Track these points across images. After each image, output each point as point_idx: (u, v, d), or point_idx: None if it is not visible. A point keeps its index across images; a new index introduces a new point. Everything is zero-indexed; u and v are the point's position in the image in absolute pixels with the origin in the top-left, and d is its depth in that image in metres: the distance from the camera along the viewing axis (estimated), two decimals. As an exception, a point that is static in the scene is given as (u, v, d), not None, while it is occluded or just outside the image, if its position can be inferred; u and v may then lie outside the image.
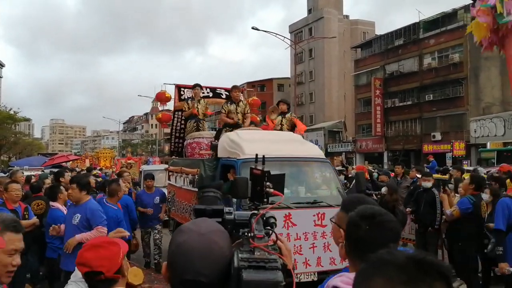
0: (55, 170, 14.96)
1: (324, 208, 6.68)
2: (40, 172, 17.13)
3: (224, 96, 12.17)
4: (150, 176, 10.92)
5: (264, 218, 1.63)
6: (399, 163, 17.57)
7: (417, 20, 45.83)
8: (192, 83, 11.47)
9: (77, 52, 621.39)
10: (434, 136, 42.10)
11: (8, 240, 2.27)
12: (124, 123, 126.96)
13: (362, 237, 1.93)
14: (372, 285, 1.03)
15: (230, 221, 1.63)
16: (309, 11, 62.54)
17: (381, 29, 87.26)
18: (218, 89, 12.46)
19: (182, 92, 11.90)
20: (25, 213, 6.91)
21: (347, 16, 63.64)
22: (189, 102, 10.69)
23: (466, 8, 42.74)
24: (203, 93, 11.54)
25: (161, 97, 13.79)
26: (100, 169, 23.42)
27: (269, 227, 1.61)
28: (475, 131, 37.66)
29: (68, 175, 10.04)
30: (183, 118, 11.53)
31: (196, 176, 8.11)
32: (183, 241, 1.44)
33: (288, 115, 9.98)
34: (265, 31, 35.58)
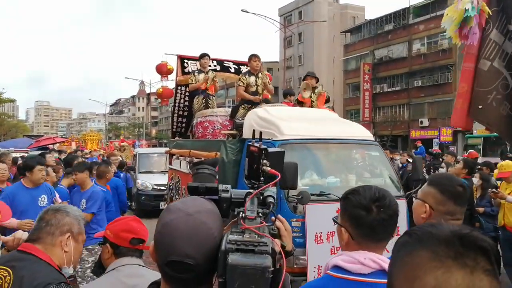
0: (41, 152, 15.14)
1: None
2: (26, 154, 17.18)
3: (232, 70, 10.76)
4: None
5: (261, 198, 1.56)
6: (386, 148, 18.00)
7: (407, 5, 45.53)
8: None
9: (62, 31, 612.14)
10: (421, 122, 42.08)
11: (84, 230, 2.53)
12: (111, 106, 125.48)
13: (374, 220, 1.89)
14: (416, 258, 1.00)
15: (226, 199, 1.56)
16: (299, -6, 62.20)
17: (371, 14, 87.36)
18: (226, 62, 10.89)
19: (185, 64, 10.43)
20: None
21: (337, 0, 63.17)
22: (196, 74, 9.28)
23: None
24: (209, 66, 10.00)
25: (162, 70, 12.03)
26: (90, 152, 23.53)
27: (266, 207, 1.54)
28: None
29: (50, 157, 10.28)
30: (187, 93, 10.20)
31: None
32: (170, 220, 1.39)
33: (318, 90, 8.67)
34: (254, 14, 35.79)
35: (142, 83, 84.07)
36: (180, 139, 10.00)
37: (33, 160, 6.11)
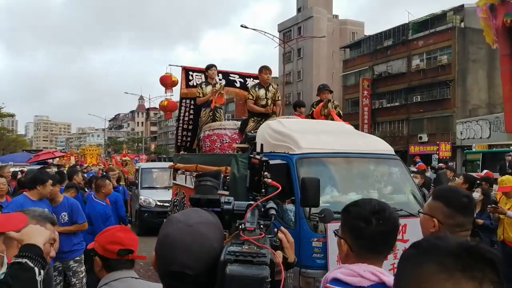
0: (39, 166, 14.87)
1: (405, 219, 4.98)
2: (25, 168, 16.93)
3: (238, 85, 10.26)
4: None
5: (262, 209, 1.57)
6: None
7: (407, 21, 45.47)
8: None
9: (63, 45, 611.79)
10: (420, 138, 41.69)
11: (48, 228, 2.38)
12: (110, 121, 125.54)
13: (374, 232, 1.87)
14: (423, 271, 1.01)
15: (228, 211, 1.57)
16: (299, 10, 61.13)
17: (370, 30, 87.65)
18: (232, 75, 10.37)
19: (190, 77, 9.98)
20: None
21: (336, 16, 62.69)
22: (203, 86, 8.84)
23: (455, 10, 43.09)
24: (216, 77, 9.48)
25: (167, 82, 11.92)
26: (86, 166, 23.26)
27: (268, 219, 1.56)
28: (461, 133, 37.84)
29: (51, 171, 10.03)
30: (192, 106, 9.80)
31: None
32: (170, 231, 1.40)
33: (330, 104, 8.06)
34: (254, 29, 35.63)
35: (141, 98, 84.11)
36: (185, 153, 9.62)
37: (45, 174, 6.13)
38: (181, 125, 10.04)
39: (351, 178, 5.77)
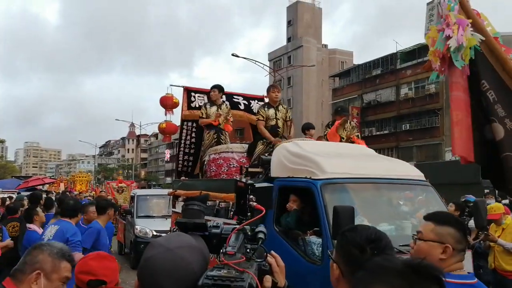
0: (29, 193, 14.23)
1: None
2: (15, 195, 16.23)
3: (242, 107, 9.64)
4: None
5: (249, 234, 1.55)
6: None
7: (395, 51, 45.59)
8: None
9: (55, 71, 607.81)
10: (410, 165, 42.06)
11: (63, 267, 2.30)
12: (100, 147, 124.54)
13: (367, 261, 1.61)
14: None
15: (215, 235, 1.54)
16: (288, 39, 61.58)
17: (359, 59, 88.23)
18: (236, 96, 9.72)
19: (192, 98, 9.27)
20: (-1, 234, 6.77)
21: (325, 45, 62.97)
22: (208, 107, 8.19)
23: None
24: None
25: (167, 103, 10.83)
26: (79, 193, 22.44)
27: (256, 243, 1.55)
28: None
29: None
30: (194, 129, 9.13)
31: (232, 203, 5.93)
32: (150, 256, 1.39)
33: (347, 125, 7.63)
34: (244, 58, 35.31)
35: (132, 125, 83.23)
36: (187, 179, 8.85)
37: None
38: (182, 148, 9.30)
39: (381, 206, 5.12)
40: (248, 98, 9.84)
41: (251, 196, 1.73)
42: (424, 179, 5.40)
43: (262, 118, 7.20)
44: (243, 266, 1.36)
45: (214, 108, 8.19)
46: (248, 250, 1.49)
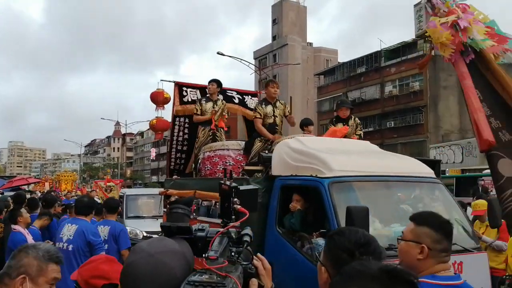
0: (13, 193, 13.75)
1: (460, 255, 4.05)
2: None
3: (237, 101, 9.26)
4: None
5: (234, 237, 1.54)
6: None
7: (379, 49, 45.61)
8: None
9: (39, 69, 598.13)
10: (395, 162, 42.05)
11: (50, 270, 2.23)
12: (85, 146, 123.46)
13: None
14: None
15: (201, 238, 1.53)
16: (274, 37, 61.44)
17: (344, 57, 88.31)
18: (229, 91, 9.32)
19: (184, 93, 8.78)
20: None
21: (310, 44, 63.07)
22: (203, 103, 7.76)
23: (425, 38, 43.52)
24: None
25: (158, 98, 10.22)
26: (65, 194, 21.82)
27: (241, 246, 1.54)
28: (435, 158, 37.83)
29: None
30: (186, 125, 8.71)
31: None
32: (132, 261, 1.38)
33: (351, 122, 7.30)
34: (230, 56, 34.90)
35: (117, 123, 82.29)
36: (179, 177, 8.40)
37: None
38: (174, 146, 8.83)
39: (392, 205, 4.75)
40: (241, 93, 9.49)
41: (235, 199, 1.64)
42: (434, 176, 5.09)
43: (259, 116, 6.83)
44: (227, 270, 1.35)
45: (210, 104, 7.79)
46: (233, 254, 1.46)
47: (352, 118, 7.37)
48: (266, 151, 5.90)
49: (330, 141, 5.80)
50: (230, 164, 6.65)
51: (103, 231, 5.96)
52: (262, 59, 60.39)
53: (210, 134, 7.64)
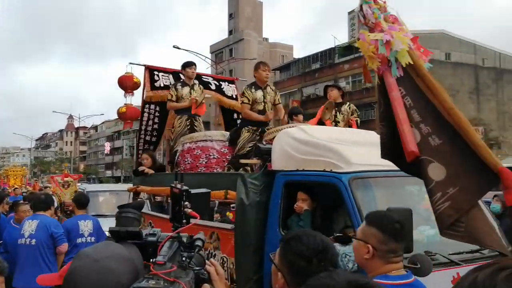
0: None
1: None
2: None
3: (213, 87, 8.29)
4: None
5: (185, 241, 1.50)
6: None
7: (333, 46, 45.69)
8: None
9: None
10: (348, 156, 42.37)
11: None
12: (36, 140, 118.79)
13: (314, 272, 1.40)
14: None
15: (152, 243, 1.45)
16: (230, 32, 60.78)
17: (299, 53, 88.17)
18: (205, 76, 8.41)
19: (156, 77, 7.74)
20: None
21: (266, 39, 62.84)
22: (179, 88, 6.85)
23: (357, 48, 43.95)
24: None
25: (127, 83, 9.00)
26: (14, 189, 20.25)
27: (193, 250, 1.50)
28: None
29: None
30: (157, 114, 7.72)
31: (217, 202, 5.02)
32: (75, 267, 1.27)
33: (345, 108, 6.61)
34: (186, 50, 33.73)
35: (71, 117, 79.15)
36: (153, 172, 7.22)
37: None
38: (142, 136, 7.79)
39: (421, 205, 4.02)
40: (218, 79, 8.64)
41: (186, 203, 1.56)
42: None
43: (247, 101, 5.95)
44: (177, 275, 1.31)
45: (186, 89, 6.85)
46: (184, 259, 1.42)
47: (347, 104, 6.72)
48: (264, 142, 5.01)
49: (334, 130, 5.11)
50: (214, 157, 5.79)
51: (87, 225, 6.20)
52: (219, 53, 59.51)
53: (188, 123, 6.72)
